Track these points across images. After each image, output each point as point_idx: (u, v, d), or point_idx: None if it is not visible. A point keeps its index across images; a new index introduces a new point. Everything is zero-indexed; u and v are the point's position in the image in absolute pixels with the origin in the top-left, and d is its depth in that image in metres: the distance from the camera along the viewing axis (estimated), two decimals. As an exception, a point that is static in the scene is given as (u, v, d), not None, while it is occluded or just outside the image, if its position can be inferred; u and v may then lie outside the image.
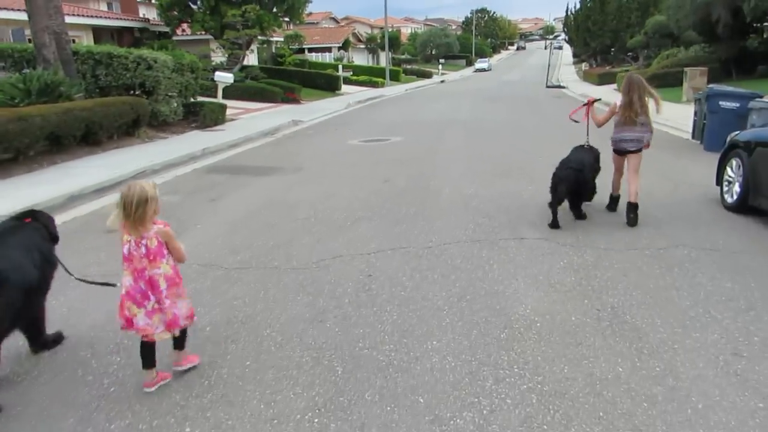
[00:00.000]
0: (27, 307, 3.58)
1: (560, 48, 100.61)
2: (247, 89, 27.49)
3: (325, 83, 36.20)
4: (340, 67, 40.21)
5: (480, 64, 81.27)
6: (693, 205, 7.34)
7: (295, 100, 28.60)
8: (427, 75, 66.44)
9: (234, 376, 3.54)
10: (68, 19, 25.25)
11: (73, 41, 26.18)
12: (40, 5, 13.72)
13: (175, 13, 29.84)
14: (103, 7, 38.31)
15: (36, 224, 3.95)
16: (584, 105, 7.52)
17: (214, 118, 18.27)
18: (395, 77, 53.60)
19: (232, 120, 20.32)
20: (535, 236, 6.06)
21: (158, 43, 28.50)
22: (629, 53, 49.93)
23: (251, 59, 40.83)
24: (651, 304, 4.36)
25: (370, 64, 64.67)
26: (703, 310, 4.24)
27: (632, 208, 6.53)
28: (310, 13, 34.07)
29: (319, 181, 9.43)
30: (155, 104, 16.13)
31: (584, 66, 59.46)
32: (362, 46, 68.65)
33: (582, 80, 48.94)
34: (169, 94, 16.79)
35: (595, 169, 7.13)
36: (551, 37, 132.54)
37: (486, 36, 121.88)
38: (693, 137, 13.33)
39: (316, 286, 4.89)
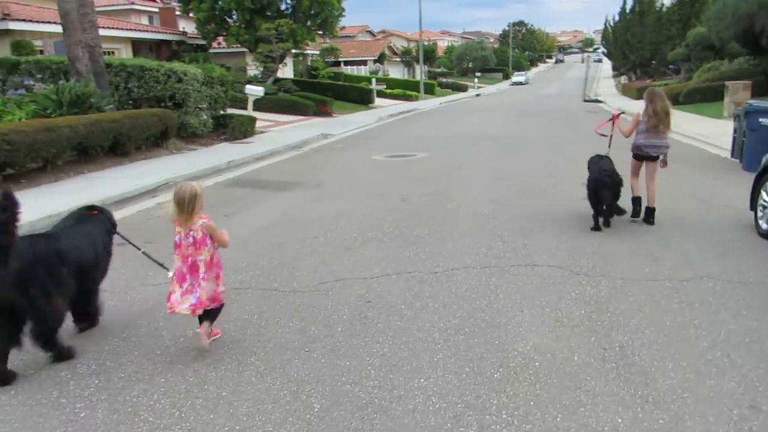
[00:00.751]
0: (80, 285, 4.11)
1: (600, 61, 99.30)
2: (279, 102, 27.68)
3: (358, 96, 36.26)
4: (374, 80, 40.21)
5: (517, 77, 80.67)
6: (725, 231, 6.92)
7: (326, 113, 28.67)
8: (462, 88, 66.14)
9: (207, 408, 3.36)
10: (108, 32, 26.06)
11: (113, 53, 26.96)
12: (74, 20, 14.01)
13: (211, 26, 30.29)
14: (144, 20, 39.31)
15: (100, 216, 4.65)
16: (610, 120, 8.00)
17: (243, 130, 18.37)
18: (430, 90, 53.48)
19: (262, 132, 20.42)
20: (549, 263, 5.76)
21: (195, 56, 29.01)
22: (670, 66, 48.80)
23: (286, 72, 41.25)
24: (664, 344, 4.04)
25: (406, 77, 64.65)
26: (722, 353, 3.91)
27: (651, 212, 7.28)
28: (344, 27, 34.22)
29: (336, 198, 9.28)
30: (184, 116, 16.29)
31: (623, 79, 58.39)
32: (398, 59, 68.74)
33: (620, 94, 47.94)
34: (199, 106, 16.94)
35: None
36: (590, 50, 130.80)
37: (523, 49, 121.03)
38: (732, 156, 12.75)
39: (311, 311, 4.70)
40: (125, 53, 27.40)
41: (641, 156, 7.44)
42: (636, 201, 7.47)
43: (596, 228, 6.96)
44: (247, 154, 15.13)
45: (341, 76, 47.13)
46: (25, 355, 3.94)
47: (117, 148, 13.09)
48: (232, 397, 3.46)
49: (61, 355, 3.95)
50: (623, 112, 8.27)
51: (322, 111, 28.35)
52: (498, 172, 11.36)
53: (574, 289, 5.07)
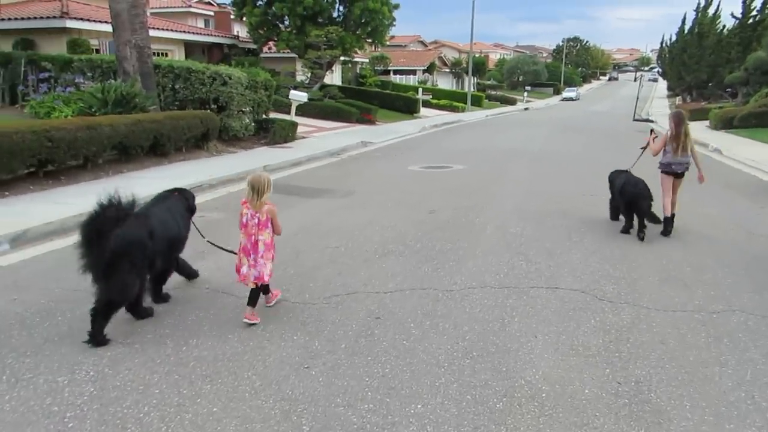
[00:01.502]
0: (167, 257, 4.84)
1: (655, 80, 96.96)
2: (323, 108, 27.88)
3: (404, 105, 36.25)
4: (420, 90, 40.17)
5: (567, 93, 79.41)
6: (765, 263, 6.53)
7: (370, 121, 28.73)
8: (511, 102, 65.49)
9: (195, 424, 3.28)
10: (161, 34, 26.78)
11: (166, 55, 27.66)
12: (124, 20, 14.36)
13: (263, 31, 30.78)
14: (200, 23, 40.29)
15: (180, 197, 5.32)
16: (650, 138, 8.70)
17: (284, 135, 18.52)
18: (477, 102, 53.12)
19: (303, 138, 20.55)
20: (573, 287, 5.53)
21: (243, 59, 29.53)
22: (727, 89, 47.20)
23: (335, 78, 41.60)
24: (684, 381, 3.78)
25: (454, 88, 64.45)
26: (746, 394, 3.63)
27: (669, 220, 7.91)
28: (393, 36, 34.34)
29: (364, 207, 9.19)
30: (227, 119, 16.53)
31: (677, 100, 56.80)
32: (447, 70, 68.60)
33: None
34: (242, 110, 17.16)
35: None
36: (646, 69, 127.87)
37: (577, 65, 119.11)
38: (784, 184, 12.18)
39: (318, 325, 4.60)
40: (178, 55, 28.07)
41: (670, 173, 8.06)
42: (668, 221, 7.92)
43: (626, 230, 7.77)
44: (284, 159, 15.22)
45: (389, 85, 47.28)
46: (27, 358, 3.95)
47: (157, 148, 13.32)
48: (222, 414, 3.38)
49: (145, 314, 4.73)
50: (654, 133, 9.02)
51: (365, 119, 28.42)
52: (533, 189, 11.09)
53: (594, 315, 4.84)
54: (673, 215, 7.93)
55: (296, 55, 32.11)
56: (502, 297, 5.23)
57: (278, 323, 4.64)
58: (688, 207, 9.64)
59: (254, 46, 32.16)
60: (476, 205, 9.33)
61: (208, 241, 5.41)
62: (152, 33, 25.86)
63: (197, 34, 29.59)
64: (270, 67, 32.63)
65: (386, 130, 25.96)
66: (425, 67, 62.88)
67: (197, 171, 12.45)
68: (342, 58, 34.36)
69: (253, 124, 17.80)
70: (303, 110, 27.60)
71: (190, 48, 29.69)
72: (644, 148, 8.69)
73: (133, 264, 4.29)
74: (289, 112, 27.00)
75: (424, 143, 21.49)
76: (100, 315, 4.21)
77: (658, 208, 7.82)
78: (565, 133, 26.71)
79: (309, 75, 32.34)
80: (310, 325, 4.59)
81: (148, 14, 16.09)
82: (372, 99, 34.88)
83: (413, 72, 62.36)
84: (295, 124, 19.40)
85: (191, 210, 5.44)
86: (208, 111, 15.75)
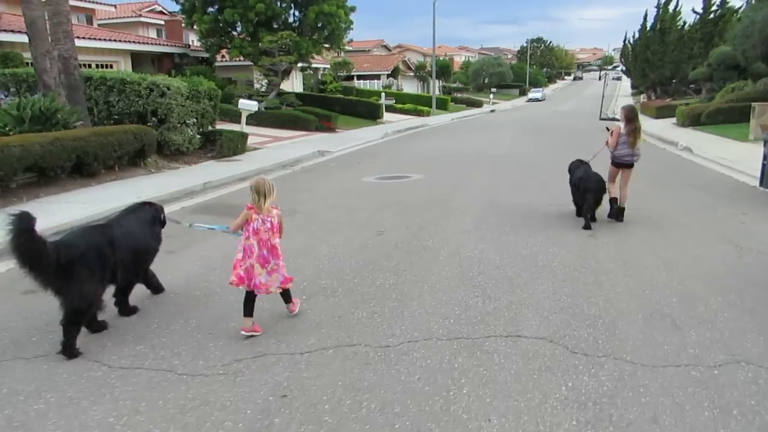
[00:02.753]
0: (130, 268, 4.78)
1: (619, 79, 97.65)
2: (280, 117, 26.66)
3: (366, 111, 35.17)
4: (383, 95, 39.15)
5: (533, 93, 79.39)
6: (761, 288, 5.55)
7: (330, 129, 27.59)
8: (477, 104, 64.96)
9: None
10: (104, 45, 25.30)
11: (111, 66, 26.19)
12: (41, 29, 12.99)
13: (214, 39, 29.43)
14: (153, 33, 38.70)
15: (151, 209, 5.30)
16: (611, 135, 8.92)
17: (232, 147, 17.27)
18: (443, 106, 52.33)
19: (256, 149, 19.33)
20: (539, 333, 4.46)
21: (196, 69, 28.15)
22: (691, 85, 47.23)
23: (296, 86, 40.36)
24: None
25: (420, 92, 63.67)
26: None
27: (621, 210, 8.60)
28: (352, 40, 33.31)
29: (304, 230, 8.04)
30: (167, 133, 15.25)
31: (642, 98, 56.81)
32: (412, 74, 67.83)
33: (639, 113, 46.29)
34: (186, 122, 15.88)
35: None
36: (610, 67, 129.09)
37: (542, 66, 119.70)
38: (761, 184, 11.35)
39: (201, 411, 3.44)
40: (124, 66, 26.58)
41: (620, 164, 8.67)
42: (613, 201, 8.67)
43: (587, 227, 7.99)
44: (230, 174, 13.99)
45: (353, 91, 46.19)
46: None
47: (83, 168, 12.00)
48: None
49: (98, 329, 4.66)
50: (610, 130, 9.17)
51: (325, 126, 27.27)
52: (496, 200, 10.06)
53: (566, 379, 3.77)
54: (623, 208, 8.60)
55: (252, 63, 30.85)
56: (449, 354, 4.12)
57: (152, 406, 3.46)
58: (665, 214, 8.69)
59: (206, 55, 30.76)
60: (431, 223, 8.25)
61: (190, 225, 5.63)
62: (94, 44, 24.62)
63: (144, 43, 28.10)
64: (225, 76, 31.36)
65: (346, 138, 24.84)
66: (389, 72, 61.98)
67: (126, 193, 11.15)
68: (300, 64, 33.15)
69: (198, 136, 16.51)
70: (258, 120, 26.38)
71: (138, 59, 28.21)
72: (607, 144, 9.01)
73: (91, 271, 4.27)
74: (250, 123, 25.79)
75: (384, 151, 20.42)
76: (70, 324, 4.20)
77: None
78: (531, 134, 25.92)
79: (265, 83, 31.09)
80: (191, 412, 3.42)
81: (72, 23, 14.67)
82: (333, 105, 33.73)
83: (377, 77, 61.46)
84: (245, 135, 18.15)
85: (162, 222, 5.46)
86: (144, 125, 14.45)
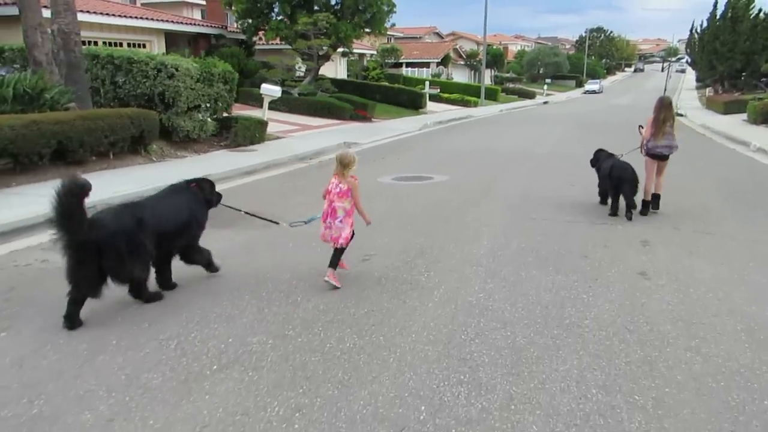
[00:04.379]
0: (162, 247, 4.88)
1: (683, 71, 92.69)
2: (313, 104, 25.24)
3: (408, 100, 33.41)
4: (427, 83, 37.25)
5: (590, 85, 76.02)
6: None
7: (365, 118, 26.03)
8: (529, 95, 62.18)
9: None
10: (135, 23, 24.28)
11: (144, 46, 25.25)
12: (32, 1, 11.82)
13: (252, 20, 28.15)
14: (197, 14, 37.85)
15: (196, 189, 5.39)
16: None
17: (249, 136, 15.93)
18: (492, 96, 50.04)
19: (279, 138, 17.96)
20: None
21: (231, 51, 26.97)
22: (763, 79, 43.54)
23: (340, 72, 38.92)
24: None
25: (471, 81, 61.35)
26: None
27: (655, 198, 8.59)
28: (394, 25, 31.39)
29: (274, 249, 6.52)
30: (174, 118, 13.99)
31: (708, 92, 53.03)
32: (463, 62, 65.50)
33: (704, 107, 43.02)
34: (197, 106, 14.59)
35: None
36: (674, 59, 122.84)
37: (600, 56, 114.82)
38: None
39: None
40: (157, 47, 25.58)
41: (654, 156, 8.57)
42: (646, 204, 8.55)
43: (614, 213, 8.24)
44: (236, 167, 12.64)
45: (400, 78, 44.49)
46: None
47: (67, 155, 10.80)
48: None
49: (150, 299, 4.88)
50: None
51: (360, 115, 25.70)
52: (525, 214, 8.30)
53: None
54: (657, 195, 8.62)
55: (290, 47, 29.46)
56: None
57: None
58: (741, 240, 6.77)
59: (243, 37, 29.53)
60: (435, 246, 6.59)
61: (245, 213, 5.91)
62: (125, 22, 23.61)
63: (179, 23, 27.03)
64: (265, 60, 30.03)
65: (381, 129, 23.24)
66: (439, 60, 59.96)
67: (109, 183, 9.86)
68: (341, 49, 31.61)
69: (212, 123, 15.22)
70: (290, 106, 25.07)
71: (172, 39, 27.17)
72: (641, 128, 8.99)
73: (131, 249, 4.43)
74: (282, 110, 24.51)
75: (417, 144, 18.73)
76: (133, 291, 4.78)
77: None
78: (582, 130, 23.71)
79: (305, 68, 29.69)
80: None
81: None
82: (373, 93, 32.16)
83: (426, 65, 59.61)
84: (263, 123, 16.75)
85: (209, 202, 5.48)
86: (145, 109, 13.22)
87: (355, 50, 42.70)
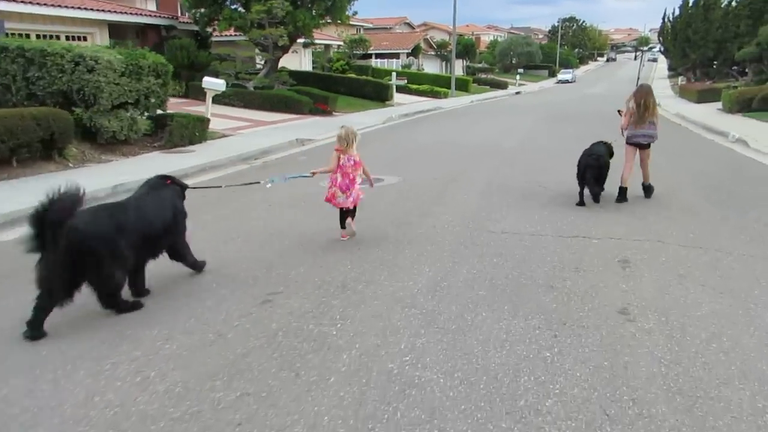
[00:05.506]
0: (147, 247, 4.67)
1: (655, 60, 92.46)
2: (270, 98, 23.65)
3: (374, 92, 31.91)
4: (393, 74, 35.75)
5: (563, 75, 75.21)
6: None
7: (326, 112, 24.52)
8: (501, 86, 61.01)
9: None
10: (73, 14, 22.43)
11: (85, 39, 23.41)
12: None
13: (203, 10, 26.39)
14: (151, 5, 35.85)
15: (173, 186, 5.23)
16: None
17: (188, 135, 14.37)
18: (463, 87, 48.75)
19: (224, 136, 16.41)
20: None
21: (180, 43, 25.22)
22: (734, 67, 42.93)
23: (304, 64, 37.27)
24: None
25: (442, 72, 60.01)
26: None
27: (646, 188, 8.68)
28: (356, 14, 29.81)
29: (154, 294, 5.07)
30: (97, 117, 12.38)
31: (680, 80, 52.41)
32: (434, 53, 64.15)
33: (678, 96, 42.27)
34: (126, 103, 13.00)
35: (610, 155, 8.53)
36: (645, 48, 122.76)
37: (573, 46, 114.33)
38: None
39: None
40: (100, 39, 23.75)
41: (634, 144, 8.48)
42: (622, 191, 8.36)
43: (580, 203, 8.07)
44: (160, 172, 11.08)
45: (369, 70, 42.90)
46: None
47: (-50, 163, 9.21)
48: None
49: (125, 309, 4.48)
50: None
51: (320, 109, 24.19)
52: (482, 225, 6.96)
53: None
54: (648, 186, 8.62)
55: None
56: None
57: None
58: (730, 252, 5.48)
59: (196, 28, 27.75)
60: (363, 276, 5.20)
61: (271, 182, 6.50)
62: (60, 12, 21.69)
63: (122, 13, 25.15)
64: (224, 52, 28.24)
65: (341, 123, 21.74)
66: (409, 51, 58.55)
67: (-5, 199, 8.31)
68: (302, 40, 30.01)
69: (143, 121, 13.64)
70: (245, 101, 23.49)
71: (118, 31, 25.29)
72: (620, 113, 8.86)
73: (112, 257, 4.20)
74: (236, 105, 22.92)
75: (377, 139, 17.33)
76: (102, 301, 4.35)
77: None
78: (554, 121, 22.50)
79: (264, 60, 28.01)
80: None
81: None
82: (337, 86, 30.63)
83: (396, 56, 58.21)
84: (204, 121, 15.18)
85: (183, 198, 5.32)
86: (65, 107, 11.65)
87: (320, 41, 41.14)
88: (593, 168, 7.94)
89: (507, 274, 5.21)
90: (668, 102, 34.69)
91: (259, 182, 6.67)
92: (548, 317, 4.31)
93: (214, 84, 16.14)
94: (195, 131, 14.67)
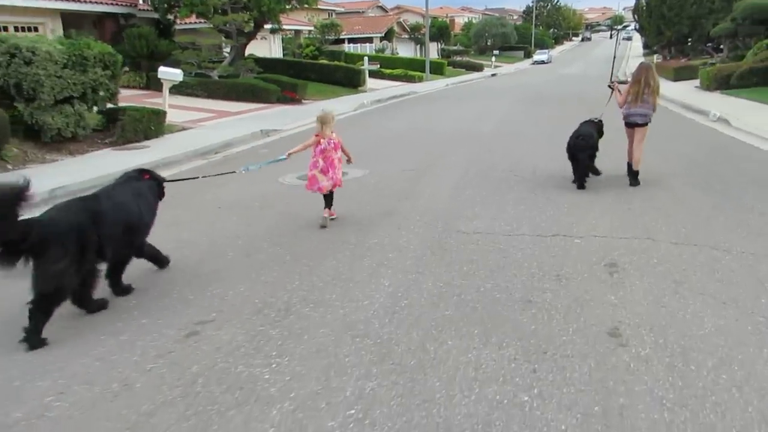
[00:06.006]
0: (124, 242, 4.45)
1: (629, 39, 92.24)
2: (235, 87, 22.66)
3: (345, 78, 30.96)
4: (366, 59, 34.81)
5: (538, 56, 74.63)
6: None
7: (295, 100, 23.60)
8: (477, 68, 60.25)
9: None
10: (22, 2, 21.19)
11: (36, 30, 22.17)
12: None
13: (163, -5, 25.18)
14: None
15: (149, 181, 5.01)
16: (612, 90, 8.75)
17: (142, 129, 13.44)
18: (438, 71, 47.93)
19: (184, 129, 15.50)
20: None
21: (137, 31, 24.04)
22: (708, 44, 42.64)
23: (274, 51, 36.15)
24: None
25: (416, 55, 59.06)
26: None
27: (634, 174, 8.13)
28: (324, -4, 28.80)
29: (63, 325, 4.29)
30: (39, 114, 11.42)
31: (656, 58, 52.10)
32: (407, 36, 63.11)
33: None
34: (71, 96, 12.03)
35: (599, 135, 8.34)
36: (620, 27, 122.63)
37: (548, 26, 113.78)
38: None
39: None
40: (51, 29, 22.50)
41: (630, 124, 8.21)
42: (630, 169, 8.21)
43: (580, 186, 7.84)
44: (109, 171, 10.21)
45: (341, 56, 41.85)
46: None
47: None
48: None
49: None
50: (623, 82, 9.27)
51: (288, 97, 23.26)
52: (452, 225, 6.26)
53: None
54: (636, 171, 8.09)
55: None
56: None
57: None
58: (725, 248, 4.83)
59: (156, 15, 26.53)
60: (311, 296, 4.45)
61: (246, 169, 6.61)
62: (7, 1, 20.53)
63: (77, 1, 23.88)
64: (189, 41, 27.08)
65: (310, 111, 20.82)
66: (383, 34, 57.52)
67: None
68: (269, 26, 28.93)
69: (92, 116, 12.69)
70: (209, 91, 22.48)
71: (72, 20, 24.02)
72: (611, 88, 8.75)
73: (65, 251, 3.81)
74: (200, 95, 21.93)
75: (347, 127, 16.48)
76: (36, 310, 3.82)
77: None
78: (531, 104, 21.84)
79: (230, 47, 26.88)
80: None
81: None
82: (307, 72, 29.61)
83: (369, 40, 57.20)
84: (161, 113, 14.24)
85: (161, 195, 5.17)
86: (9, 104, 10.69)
87: (289, 27, 39.97)
88: (582, 149, 7.75)
89: (478, 287, 4.51)
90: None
91: (234, 171, 6.68)
92: (526, 343, 3.62)
93: (170, 74, 15.17)
94: (150, 125, 13.74)
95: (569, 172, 8.32)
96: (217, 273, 4.98)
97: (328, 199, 6.41)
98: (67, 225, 3.91)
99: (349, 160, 6.66)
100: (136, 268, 4.96)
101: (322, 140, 6.16)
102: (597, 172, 8.27)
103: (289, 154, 6.44)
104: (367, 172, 9.40)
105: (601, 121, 8.53)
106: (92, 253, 4.06)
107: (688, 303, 4.17)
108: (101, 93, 12.88)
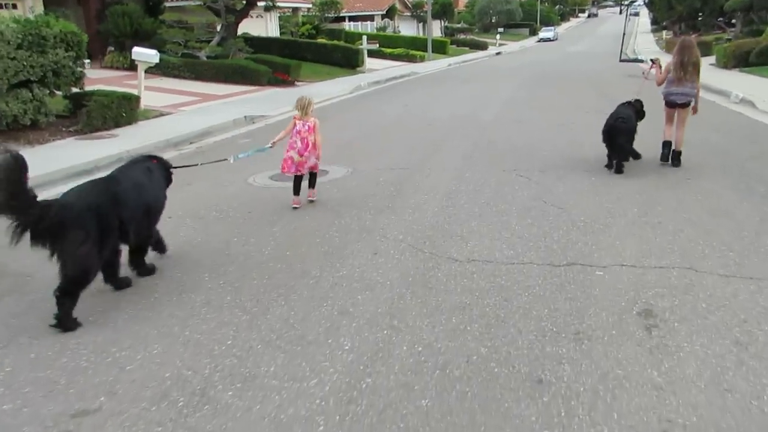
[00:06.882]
0: (144, 225, 4.43)
1: (636, 14, 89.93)
2: (224, 68, 21.33)
3: (343, 59, 29.52)
4: (365, 38, 33.28)
5: (544, 33, 72.75)
6: None
7: (288, 82, 22.28)
8: (482, 46, 58.50)
9: None
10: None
11: (14, 6, 20.88)
12: None
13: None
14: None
15: (159, 165, 4.91)
16: (651, 66, 8.81)
17: (112, 116, 12.23)
18: (441, 49, 46.31)
19: (162, 115, 14.30)
20: None
21: (121, 9, 22.68)
22: (720, 18, 40.94)
23: (271, 30, 34.65)
24: None
25: (418, 34, 57.33)
26: None
27: (676, 155, 7.86)
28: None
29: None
30: (-8, 100, 10.24)
31: (665, 34, 50.33)
32: (409, 14, 61.27)
33: (664, 51, 40.22)
34: (28, 80, 10.84)
35: (639, 117, 8.04)
36: (627, 2, 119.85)
37: (554, 2, 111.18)
38: None
39: None
40: (32, 5, 21.16)
41: (670, 103, 7.86)
42: (666, 144, 7.94)
43: (609, 165, 7.64)
44: (69, 164, 9.16)
45: (341, 34, 40.32)
46: None
47: None
48: None
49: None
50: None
51: (280, 79, 21.95)
52: (441, 249, 5.08)
53: None
54: (678, 152, 7.84)
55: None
56: None
57: None
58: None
59: (145, -8, 25.10)
60: (235, 373, 3.31)
61: (235, 158, 6.37)
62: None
63: (57, -24, 22.49)
64: (180, 20, 25.74)
65: (304, 94, 19.59)
66: (384, 12, 55.78)
67: None
68: (262, 3, 27.51)
69: (55, 102, 11.51)
70: (197, 72, 21.18)
71: (53, -3, 22.69)
72: (652, 61, 8.79)
73: (87, 233, 3.74)
74: (187, 77, 20.66)
75: (340, 113, 15.34)
76: (64, 295, 3.76)
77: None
78: (536, 85, 20.49)
79: (222, 26, 25.52)
80: None
81: None
82: (303, 52, 28.23)
83: (371, 18, 55.49)
84: (131, 98, 12.99)
85: (169, 180, 5.05)
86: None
87: (287, 5, 38.45)
88: (622, 132, 7.41)
89: (470, 354, 3.33)
90: (657, 57, 32.68)
91: (226, 159, 6.54)
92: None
93: (145, 55, 13.89)
94: (122, 111, 12.51)
95: (582, 168, 7.10)
96: (128, 328, 3.79)
97: (312, 180, 6.60)
98: (86, 206, 3.82)
99: (316, 156, 6.53)
100: (46, 304, 3.82)
101: (297, 121, 6.34)
102: (637, 156, 7.85)
103: (273, 143, 6.49)
104: (349, 171, 8.21)
105: (639, 101, 8.13)
106: (114, 236, 4.01)
107: (761, 383, 2.99)
108: (64, 76, 11.64)
